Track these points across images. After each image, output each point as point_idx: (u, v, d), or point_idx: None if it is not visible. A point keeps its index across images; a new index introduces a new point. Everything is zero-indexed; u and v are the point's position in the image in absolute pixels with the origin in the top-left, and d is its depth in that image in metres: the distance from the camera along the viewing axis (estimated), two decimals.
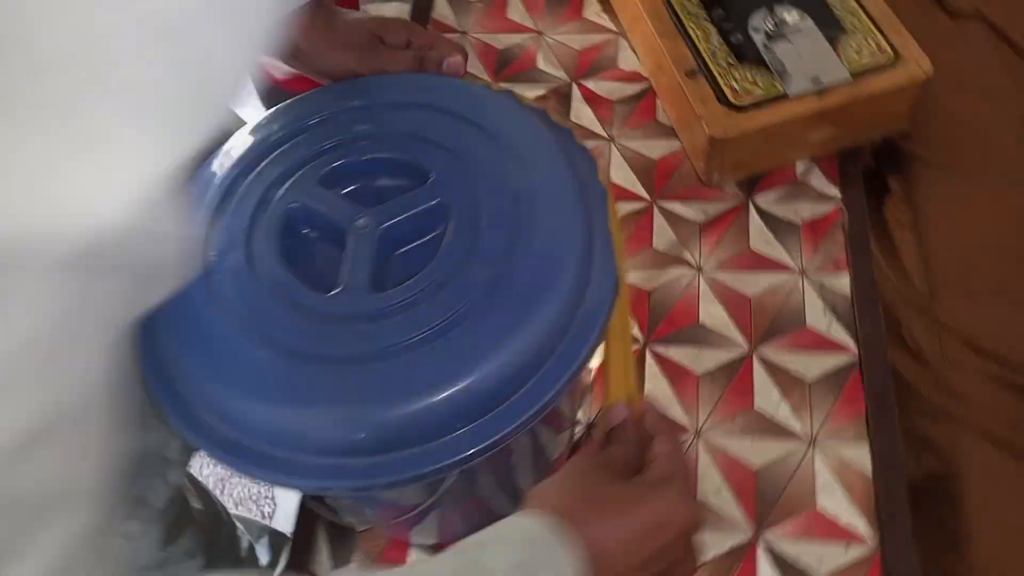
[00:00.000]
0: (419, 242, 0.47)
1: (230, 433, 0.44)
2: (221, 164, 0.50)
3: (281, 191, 0.48)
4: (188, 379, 0.44)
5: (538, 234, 0.45)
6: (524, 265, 0.44)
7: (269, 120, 0.52)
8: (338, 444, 0.42)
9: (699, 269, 0.74)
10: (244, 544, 0.84)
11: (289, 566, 0.66)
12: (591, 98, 0.85)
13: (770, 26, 0.77)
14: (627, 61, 0.88)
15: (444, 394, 0.41)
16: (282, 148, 0.50)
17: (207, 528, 0.71)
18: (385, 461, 0.41)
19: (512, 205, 0.46)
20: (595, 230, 0.47)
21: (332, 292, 0.44)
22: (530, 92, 0.86)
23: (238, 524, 0.84)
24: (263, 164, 0.49)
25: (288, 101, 0.52)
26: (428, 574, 0.34)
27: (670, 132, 0.83)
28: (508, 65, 0.89)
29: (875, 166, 0.85)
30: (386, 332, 0.42)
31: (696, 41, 0.78)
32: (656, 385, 0.69)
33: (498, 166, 0.48)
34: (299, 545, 0.67)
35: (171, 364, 0.45)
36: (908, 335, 0.75)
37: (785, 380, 0.69)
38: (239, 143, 0.51)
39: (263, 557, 0.89)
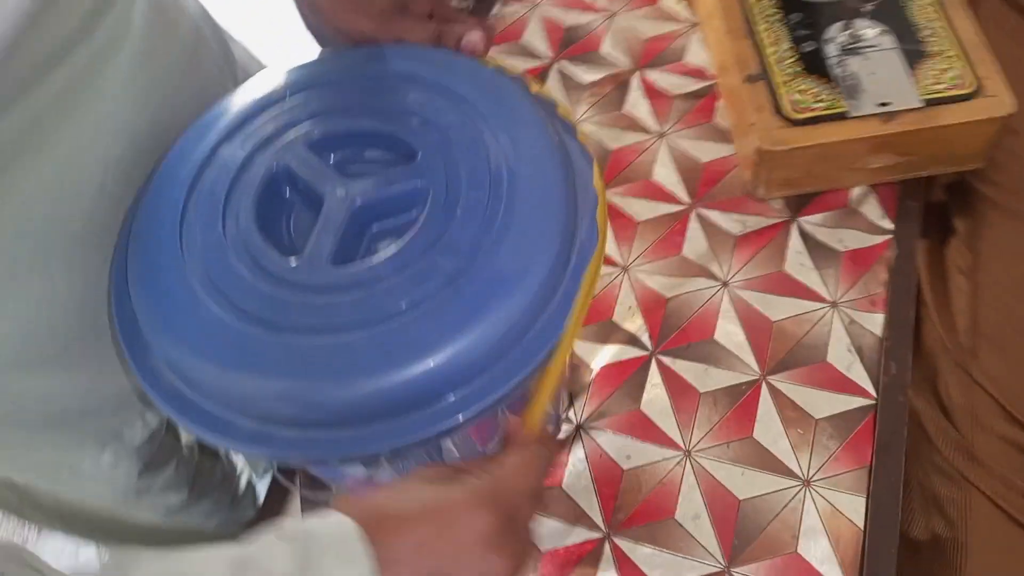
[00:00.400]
0: (395, 221, 0.46)
1: (176, 383, 0.44)
2: (220, 114, 0.49)
3: (270, 150, 0.47)
4: (148, 325, 0.45)
5: (512, 234, 0.43)
6: (489, 265, 0.42)
7: (273, 76, 0.51)
8: (270, 412, 0.41)
9: (725, 284, 0.71)
10: (242, 482, 0.86)
11: (263, 509, 0.67)
12: (650, 90, 0.82)
13: (846, 39, 0.72)
14: (695, 56, 0.84)
15: (377, 382, 0.40)
16: (280, 106, 0.49)
17: (196, 463, 0.72)
18: (311, 437, 0.41)
19: (493, 199, 0.44)
20: (576, 238, 0.45)
21: (293, 259, 0.44)
22: (589, 75, 0.84)
23: (237, 461, 0.85)
24: (257, 121, 0.49)
25: (296, 61, 0.52)
26: (208, 560, 0.34)
27: (725, 137, 0.79)
28: (572, 44, 0.86)
29: (945, 202, 0.79)
30: (334, 308, 0.41)
31: (764, 45, 0.74)
32: (655, 395, 0.67)
33: (488, 156, 0.46)
34: (276, 493, 0.68)
35: (137, 308, 0.45)
36: (943, 388, 0.71)
37: (791, 414, 0.65)
38: (241, 96, 0.50)
39: (264, 495, 0.91)
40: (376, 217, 0.46)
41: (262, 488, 0.92)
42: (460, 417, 0.40)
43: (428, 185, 0.45)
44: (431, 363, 0.40)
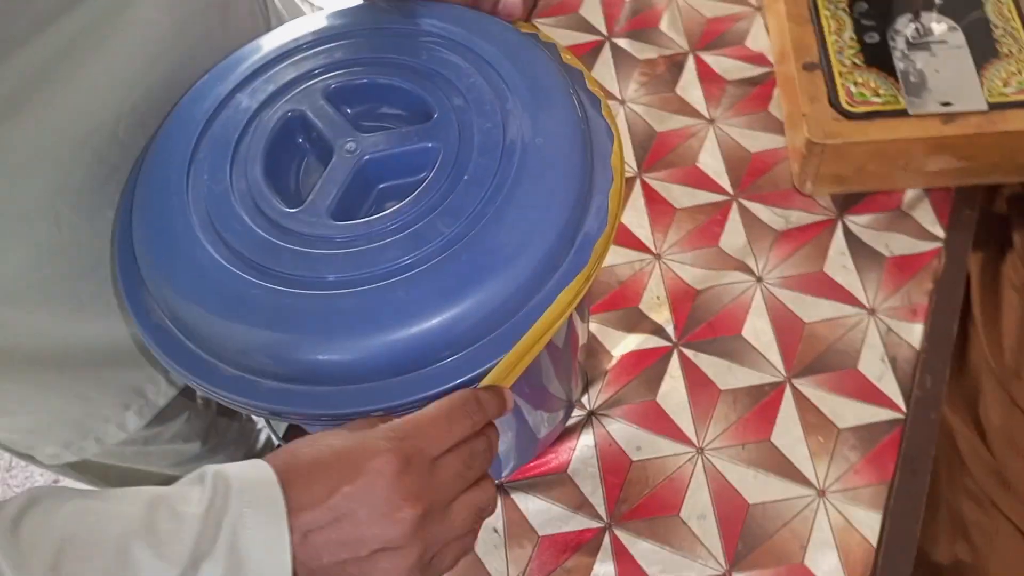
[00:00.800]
0: (403, 181, 0.45)
1: (166, 322, 0.43)
2: (242, 58, 0.49)
3: (287, 96, 0.47)
4: (144, 261, 0.44)
5: (517, 206, 0.41)
6: (489, 235, 0.40)
7: (303, 24, 0.50)
8: (252, 361, 0.41)
9: (759, 280, 0.68)
10: (261, 438, 0.86)
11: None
12: (705, 72, 0.79)
13: (913, 32, 0.69)
14: (756, 41, 0.80)
15: (360, 344, 0.39)
16: (304, 54, 0.48)
17: (212, 417, 0.72)
18: (294, 391, 0.40)
19: (503, 167, 0.42)
20: (585, 217, 0.43)
21: (293, 209, 0.43)
22: (643, 53, 0.81)
23: (258, 419, 0.85)
24: (279, 67, 0.48)
25: (331, 11, 0.50)
26: (127, 497, 0.35)
27: (778, 127, 0.76)
28: (631, 18, 0.83)
29: (1007, 215, 0.75)
30: (327, 261, 0.40)
31: (826, 33, 0.70)
32: (672, 388, 0.64)
33: (505, 123, 0.44)
34: None
35: (136, 243, 0.45)
36: (983, 408, 0.67)
37: (814, 420, 0.62)
38: (266, 42, 0.49)
39: None
40: (384, 175, 0.45)
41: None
42: (443, 386, 0.39)
43: (439, 147, 0.44)
44: (417, 329, 0.38)
